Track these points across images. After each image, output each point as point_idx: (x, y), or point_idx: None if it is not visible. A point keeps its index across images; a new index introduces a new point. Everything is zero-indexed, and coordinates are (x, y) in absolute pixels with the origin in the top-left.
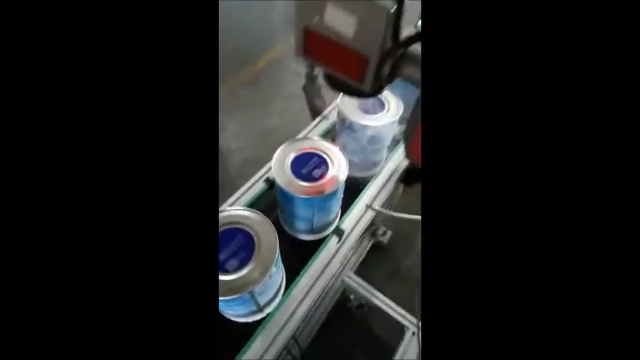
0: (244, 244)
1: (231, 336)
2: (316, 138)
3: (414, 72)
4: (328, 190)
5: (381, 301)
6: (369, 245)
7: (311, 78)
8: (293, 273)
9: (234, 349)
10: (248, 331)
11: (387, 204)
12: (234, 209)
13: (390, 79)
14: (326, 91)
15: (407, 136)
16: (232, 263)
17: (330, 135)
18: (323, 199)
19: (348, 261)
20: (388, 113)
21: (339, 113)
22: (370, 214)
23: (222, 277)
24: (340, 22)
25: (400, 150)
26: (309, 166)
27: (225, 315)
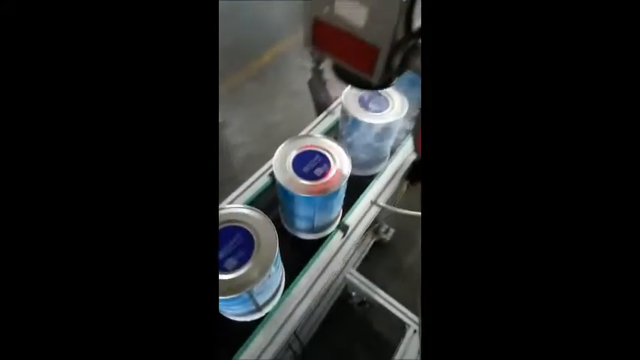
0: (243, 243)
1: (229, 335)
2: (318, 135)
3: None
4: (330, 189)
5: (383, 298)
6: (372, 243)
7: (317, 72)
8: (293, 272)
9: (232, 348)
10: (246, 330)
11: (391, 201)
12: (234, 207)
13: (400, 72)
14: (332, 85)
15: (415, 131)
16: (231, 262)
17: (335, 131)
18: (324, 199)
19: (350, 258)
20: (392, 111)
21: (342, 111)
22: (375, 211)
23: (220, 277)
24: (351, 12)
25: (405, 147)
26: (310, 164)
27: (224, 314)
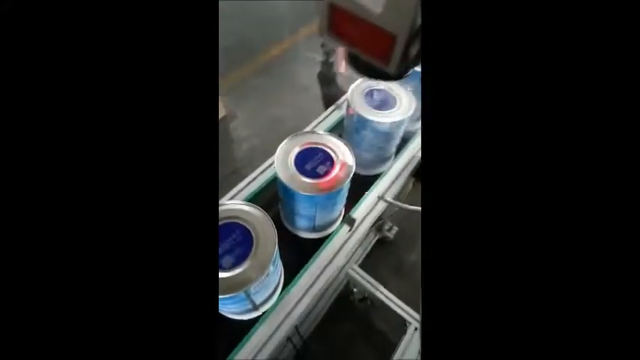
0: (242, 241)
1: (225, 333)
2: (322, 132)
3: None
4: (332, 188)
5: (385, 295)
6: (375, 240)
7: (327, 65)
8: (293, 271)
9: (228, 346)
10: (243, 328)
11: (396, 199)
12: (233, 203)
13: (416, 62)
14: (341, 79)
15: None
16: (228, 260)
17: (341, 127)
18: (326, 197)
19: (353, 253)
20: (399, 110)
21: (347, 107)
22: (382, 206)
23: None
24: None
25: (413, 145)
26: (313, 161)
27: (220, 312)
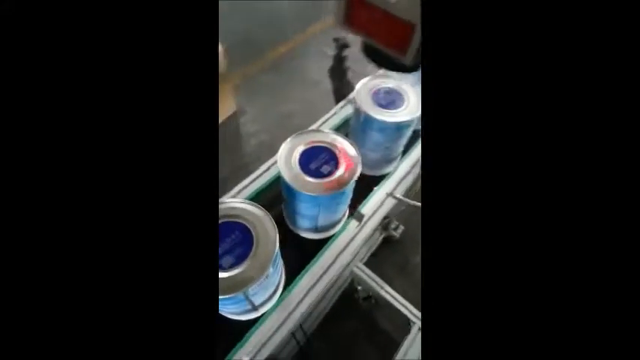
0: (242, 240)
1: (223, 334)
2: (328, 130)
3: None
4: (336, 188)
5: (389, 294)
6: (381, 239)
7: (339, 59)
8: (294, 271)
9: (227, 346)
10: (242, 328)
11: (405, 197)
12: (234, 201)
13: None
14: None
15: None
16: (228, 260)
17: (349, 125)
18: (330, 198)
19: (358, 252)
20: (407, 110)
21: (355, 108)
22: (390, 203)
23: None
24: None
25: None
26: (318, 161)
27: (219, 312)
